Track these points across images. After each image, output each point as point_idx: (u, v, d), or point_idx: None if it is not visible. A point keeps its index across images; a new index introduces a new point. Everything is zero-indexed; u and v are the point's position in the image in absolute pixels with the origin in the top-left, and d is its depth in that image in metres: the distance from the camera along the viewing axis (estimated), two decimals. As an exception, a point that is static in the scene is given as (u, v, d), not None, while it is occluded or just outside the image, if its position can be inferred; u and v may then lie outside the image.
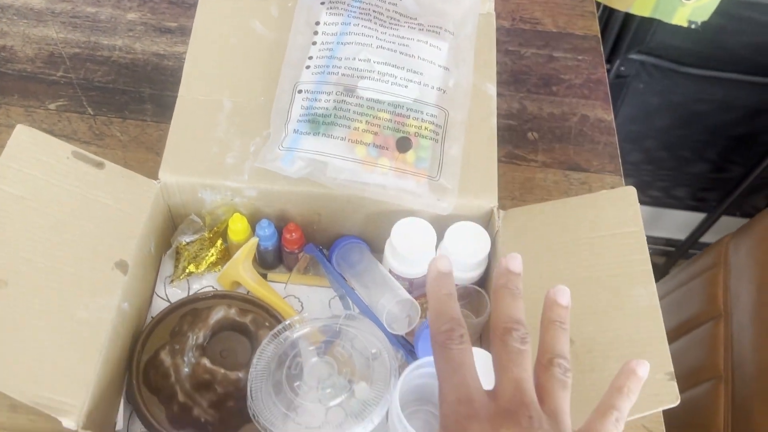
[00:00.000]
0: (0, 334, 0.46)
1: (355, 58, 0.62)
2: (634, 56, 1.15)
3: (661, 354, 0.48)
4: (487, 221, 0.61)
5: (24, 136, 0.53)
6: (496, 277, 0.35)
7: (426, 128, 0.60)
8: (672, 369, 0.47)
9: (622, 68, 1.17)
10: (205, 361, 0.51)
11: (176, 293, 0.62)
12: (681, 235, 1.48)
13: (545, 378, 0.33)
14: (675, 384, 0.47)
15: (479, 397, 0.32)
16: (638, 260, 0.53)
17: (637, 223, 0.55)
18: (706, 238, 1.44)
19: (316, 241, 0.64)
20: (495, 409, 0.31)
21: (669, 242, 1.51)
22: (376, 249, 0.64)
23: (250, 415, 0.49)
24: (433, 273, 0.35)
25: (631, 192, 0.56)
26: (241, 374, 0.52)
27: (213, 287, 0.62)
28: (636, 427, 0.60)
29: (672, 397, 0.46)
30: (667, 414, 0.62)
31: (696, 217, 1.45)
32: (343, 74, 0.62)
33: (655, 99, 1.21)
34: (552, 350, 0.35)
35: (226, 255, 0.64)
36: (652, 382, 0.47)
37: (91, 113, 0.75)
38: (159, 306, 0.60)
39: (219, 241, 0.63)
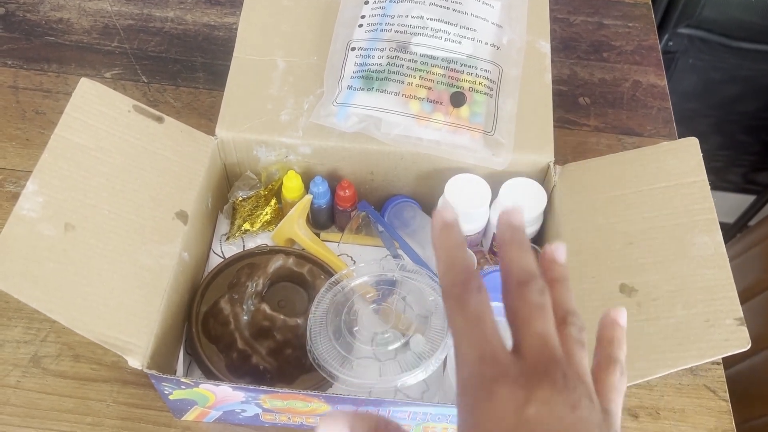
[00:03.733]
0: (70, 276, 0.47)
1: (407, 15, 0.62)
2: (683, 30, 1.12)
3: (730, 300, 0.47)
4: (542, 177, 0.60)
5: (87, 88, 0.54)
6: (501, 231, 0.31)
7: (480, 83, 0.60)
8: (741, 315, 0.46)
9: (671, 43, 1.14)
10: (265, 307, 0.51)
11: (232, 250, 0.62)
12: (729, 219, 1.45)
13: (562, 337, 0.29)
14: (745, 329, 0.45)
15: (504, 354, 0.27)
16: (702, 209, 0.52)
17: (700, 173, 0.53)
18: (755, 222, 1.40)
19: (368, 202, 0.64)
20: (524, 367, 0.27)
21: (717, 226, 1.47)
22: (428, 210, 0.64)
23: (310, 359, 0.49)
24: (438, 224, 0.31)
25: (693, 143, 0.55)
26: (300, 321, 0.52)
27: (267, 245, 0.62)
28: (699, 388, 0.59)
29: (742, 342, 0.45)
30: (729, 380, 0.60)
31: (745, 200, 1.41)
32: (396, 31, 0.62)
33: (706, 76, 1.18)
34: (563, 307, 0.31)
35: (280, 214, 0.64)
36: (722, 328, 0.46)
37: (145, 81, 0.76)
38: (215, 262, 0.61)
39: (273, 200, 0.63)
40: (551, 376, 0.26)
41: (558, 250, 0.33)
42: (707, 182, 0.53)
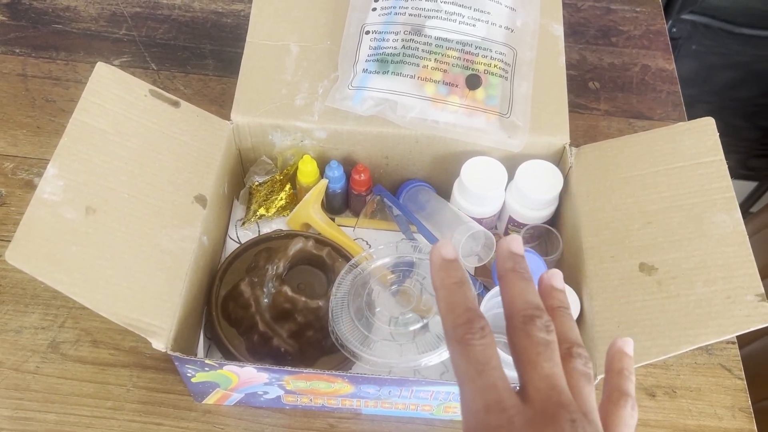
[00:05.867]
0: (92, 259, 0.47)
1: (421, -1, 0.62)
2: (686, 17, 1.12)
3: (751, 276, 0.47)
4: (558, 159, 0.61)
5: (104, 72, 0.53)
6: (501, 261, 0.30)
7: (495, 66, 0.60)
8: (763, 291, 0.46)
9: (674, 29, 1.15)
10: (287, 289, 0.52)
11: (247, 235, 0.62)
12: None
13: (567, 372, 0.28)
14: (766, 304, 0.46)
15: (511, 401, 0.26)
16: (720, 188, 0.52)
17: (717, 153, 0.54)
18: (757, 208, 1.41)
19: (383, 185, 0.64)
20: (531, 414, 0.26)
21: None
22: (443, 195, 0.64)
23: (333, 339, 0.50)
24: (437, 261, 0.29)
25: (710, 122, 0.55)
26: (321, 303, 0.52)
27: (283, 230, 0.62)
28: (714, 367, 0.59)
29: (765, 318, 0.45)
30: (743, 359, 0.60)
31: (743, 186, 1.42)
32: (410, 14, 0.62)
33: (708, 62, 1.19)
34: (567, 338, 0.30)
35: (294, 199, 0.64)
36: (743, 304, 0.46)
37: (155, 68, 0.76)
38: (231, 247, 0.61)
39: (288, 186, 0.63)
40: (559, 422, 0.26)
41: (555, 276, 0.32)
42: (724, 161, 0.53)
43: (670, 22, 1.13)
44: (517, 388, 0.27)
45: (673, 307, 0.48)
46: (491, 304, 0.53)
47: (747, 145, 1.36)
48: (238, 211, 0.64)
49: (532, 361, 0.27)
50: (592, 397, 0.28)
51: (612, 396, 0.30)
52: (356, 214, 0.65)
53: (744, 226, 0.50)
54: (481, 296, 0.56)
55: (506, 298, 0.29)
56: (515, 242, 0.31)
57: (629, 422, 0.30)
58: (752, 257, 0.48)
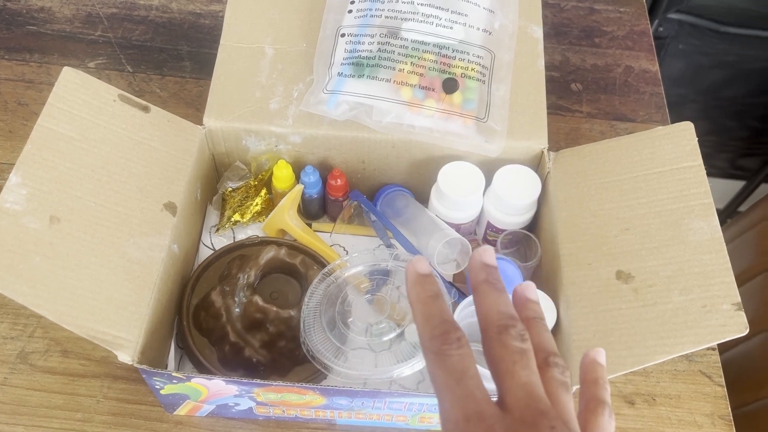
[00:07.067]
0: (56, 270, 0.46)
1: (398, 1, 0.61)
2: (673, 16, 1.12)
3: (728, 285, 0.46)
4: (536, 164, 0.60)
5: (71, 77, 0.52)
6: (474, 272, 0.31)
7: (472, 69, 0.59)
8: (739, 300, 0.46)
9: (661, 29, 1.14)
10: (257, 299, 0.51)
11: (222, 242, 0.61)
12: (718, 204, 1.45)
13: (545, 381, 0.28)
14: (743, 314, 0.45)
15: (491, 411, 0.26)
16: (698, 194, 0.51)
17: (695, 158, 0.53)
18: (745, 207, 1.41)
19: (360, 190, 0.64)
20: (510, 422, 0.26)
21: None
22: (420, 199, 0.63)
23: (304, 350, 0.49)
24: (412, 276, 0.30)
25: (688, 127, 0.54)
26: (293, 312, 0.51)
27: (258, 236, 0.61)
28: (694, 374, 0.59)
29: (740, 327, 0.44)
30: (724, 365, 0.60)
31: (732, 185, 1.42)
32: (386, 17, 0.61)
33: (695, 61, 1.18)
34: (543, 348, 0.30)
35: (270, 205, 0.63)
36: (719, 313, 0.45)
37: (130, 71, 0.75)
38: (205, 254, 0.60)
39: (263, 191, 0.62)
40: (539, 430, 0.26)
41: (528, 288, 0.32)
42: (703, 167, 0.53)
43: (657, 21, 1.12)
44: (495, 398, 0.27)
45: (649, 316, 0.47)
46: (466, 313, 0.52)
47: (735, 144, 1.36)
48: (213, 217, 0.63)
49: (509, 371, 0.27)
50: (570, 405, 0.28)
51: (589, 404, 0.31)
52: (334, 219, 0.64)
53: (722, 233, 0.49)
54: (456, 303, 0.55)
55: (480, 309, 0.30)
56: (487, 253, 0.31)
57: (608, 429, 0.30)
58: (729, 265, 0.47)
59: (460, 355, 0.27)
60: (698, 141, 0.53)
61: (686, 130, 0.54)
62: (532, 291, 0.32)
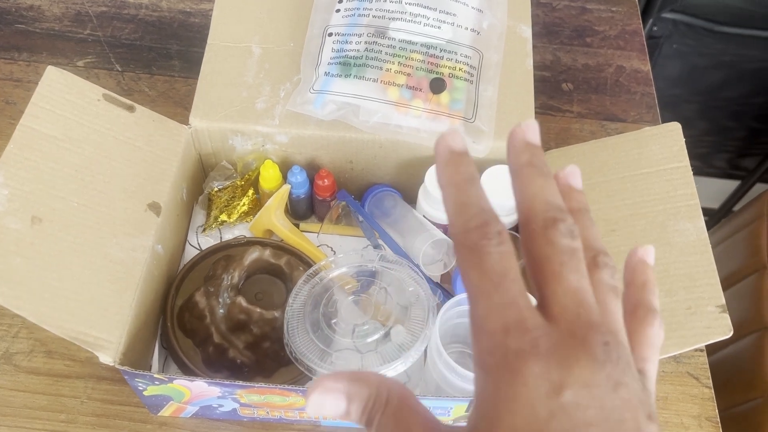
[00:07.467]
0: (37, 271, 0.45)
1: (386, 0, 0.61)
2: (667, 15, 1.11)
3: (713, 287, 0.46)
4: (524, 164, 0.59)
5: (55, 77, 0.52)
6: (515, 153, 0.25)
7: (460, 69, 0.59)
8: (724, 302, 0.45)
9: (655, 28, 1.13)
10: (241, 300, 0.50)
11: (208, 242, 0.61)
12: (714, 204, 1.45)
13: (593, 285, 0.24)
14: (727, 316, 0.45)
15: (535, 321, 0.22)
16: (685, 195, 0.51)
17: (682, 159, 0.53)
18: (739, 207, 1.40)
19: (347, 191, 0.63)
20: (557, 336, 0.21)
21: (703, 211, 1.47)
22: (409, 199, 0.63)
23: (287, 352, 0.48)
24: (444, 155, 0.25)
25: (676, 128, 0.54)
26: (277, 314, 0.51)
27: (245, 236, 0.61)
28: (682, 375, 0.59)
29: (724, 329, 0.44)
30: (713, 366, 0.60)
31: (730, 185, 1.42)
32: (374, 16, 0.60)
33: (690, 61, 1.18)
34: (591, 246, 0.25)
35: (257, 205, 0.63)
36: (704, 315, 0.45)
37: (119, 69, 0.74)
38: (191, 254, 0.59)
39: (251, 191, 0.62)
40: (590, 346, 0.21)
41: (573, 174, 0.27)
42: (690, 168, 0.52)
43: (651, 21, 1.12)
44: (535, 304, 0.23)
45: (634, 318, 0.47)
46: (451, 314, 0.52)
47: (733, 144, 1.35)
48: (200, 217, 0.63)
49: (555, 273, 0.23)
50: (620, 315, 0.24)
51: (637, 312, 0.26)
52: (321, 220, 0.64)
53: (707, 235, 0.49)
54: (441, 304, 0.55)
55: (523, 198, 0.24)
56: (531, 130, 0.25)
57: (656, 342, 0.26)
58: (714, 267, 0.47)
59: (500, 254, 0.22)
60: (696, 141, 0.53)
61: (674, 131, 0.54)
62: (577, 178, 0.27)
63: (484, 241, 0.22)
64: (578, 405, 0.20)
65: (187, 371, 0.51)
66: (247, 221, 0.62)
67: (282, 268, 0.54)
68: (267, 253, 0.54)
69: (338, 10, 0.62)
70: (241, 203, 0.61)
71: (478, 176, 0.24)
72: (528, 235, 0.24)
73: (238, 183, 0.61)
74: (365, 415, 0.23)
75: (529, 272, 0.23)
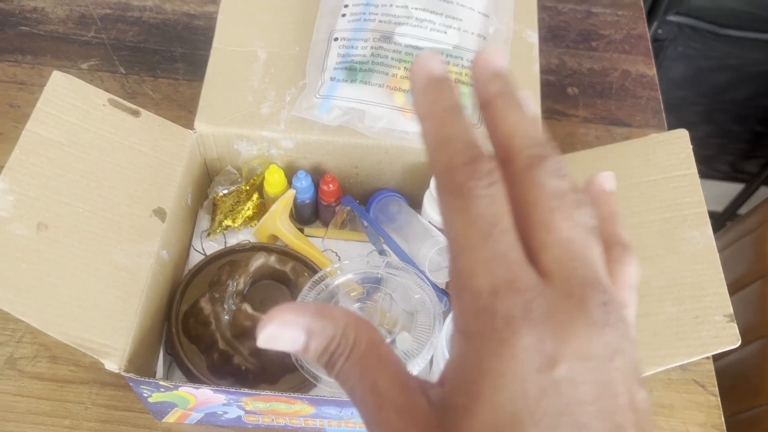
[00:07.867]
0: (43, 277, 0.45)
1: (392, 5, 0.61)
2: (672, 18, 1.11)
3: (720, 296, 0.46)
4: (530, 170, 0.59)
5: (60, 82, 0.52)
6: (482, 84, 0.22)
7: (466, 74, 0.58)
8: (731, 311, 0.45)
9: (660, 31, 1.13)
10: (246, 307, 0.50)
11: (213, 247, 0.61)
12: (718, 207, 1.45)
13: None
14: (735, 326, 0.44)
15: (528, 280, 0.18)
16: (692, 203, 0.51)
17: (690, 166, 0.52)
18: (744, 210, 1.40)
19: (352, 196, 0.63)
20: (551, 297, 0.18)
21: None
22: (414, 205, 0.63)
23: (293, 359, 0.48)
24: (421, 81, 0.21)
25: (683, 134, 0.54)
26: (282, 320, 0.51)
27: (249, 241, 0.61)
28: (688, 383, 0.58)
29: (732, 339, 0.44)
30: (718, 372, 0.59)
31: (734, 188, 1.41)
32: (380, 21, 0.60)
33: (696, 64, 1.18)
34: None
35: (262, 209, 0.62)
36: (711, 324, 0.45)
37: (123, 72, 0.74)
38: (196, 259, 0.59)
39: (255, 195, 0.62)
40: (588, 309, 0.18)
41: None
42: (697, 175, 0.52)
43: (656, 24, 1.12)
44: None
45: (642, 327, 0.47)
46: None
47: (738, 147, 1.35)
48: (204, 221, 0.63)
49: (544, 221, 0.19)
50: (602, 260, 0.20)
51: (612, 252, 0.23)
52: (326, 225, 0.64)
53: (715, 243, 0.49)
54: (447, 311, 0.55)
55: (499, 134, 0.21)
56: (497, 55, 0.22)
57: (635, 283, 0.23)
58: (722, 275, 0.47)
59: (490, 197, 0.19)
60: (700, 144, 0.53)
61: (681, 138, 0.54)
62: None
63: (472, 181, 0.19)
64: (572, 380, 0.17)
65: (191, 377, 0.51)
66: (251, 226, 0.62)
67: (287, 275, 0.54)
68: (272, 260, 0.54)
69: (344, 15, 0.61)
70: (246, 208, 0.61)
71: (462, 106, 0.21)
72: (509, 178, 0.20)
73: (243, 188, 0.61)
74: (325, 356, 0.20)
75: (513, 219, 0.20)
